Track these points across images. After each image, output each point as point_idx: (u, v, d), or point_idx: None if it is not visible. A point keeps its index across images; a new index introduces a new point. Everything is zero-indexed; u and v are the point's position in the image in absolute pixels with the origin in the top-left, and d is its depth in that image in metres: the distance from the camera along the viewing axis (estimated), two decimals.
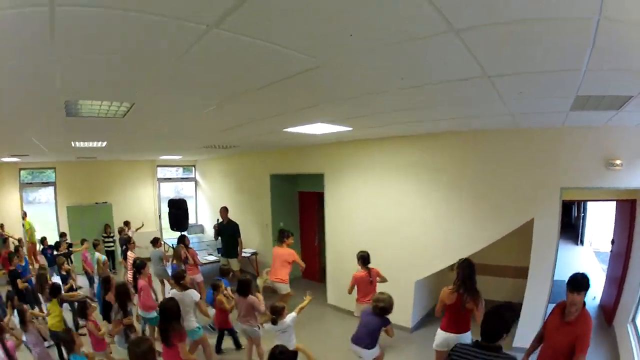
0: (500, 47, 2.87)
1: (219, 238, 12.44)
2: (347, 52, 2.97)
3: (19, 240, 13.53)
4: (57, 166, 16.61)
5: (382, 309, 6.44)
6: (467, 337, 6.25)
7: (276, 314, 6.79)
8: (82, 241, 12.58)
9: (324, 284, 11.46)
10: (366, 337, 6.55)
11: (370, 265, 7.93)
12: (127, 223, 15.41)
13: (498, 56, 3.09)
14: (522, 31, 2.57)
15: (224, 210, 12.34)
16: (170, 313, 6.07)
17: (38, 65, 3.10)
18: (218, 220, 12.40)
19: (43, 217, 19.33)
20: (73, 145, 9.14)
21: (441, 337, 6.43)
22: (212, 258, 13.00)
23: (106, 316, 8.53)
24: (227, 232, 12.11)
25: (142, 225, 15.22)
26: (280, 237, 9.82)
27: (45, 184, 17.70)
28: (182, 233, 12.70)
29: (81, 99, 4.46)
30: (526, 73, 3.54)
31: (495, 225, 7.58)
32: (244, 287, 7.51)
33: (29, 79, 3.52)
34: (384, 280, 7.92)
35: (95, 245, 12.05)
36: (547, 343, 5.19)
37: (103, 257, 11.14)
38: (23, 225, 15.37)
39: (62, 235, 13.77)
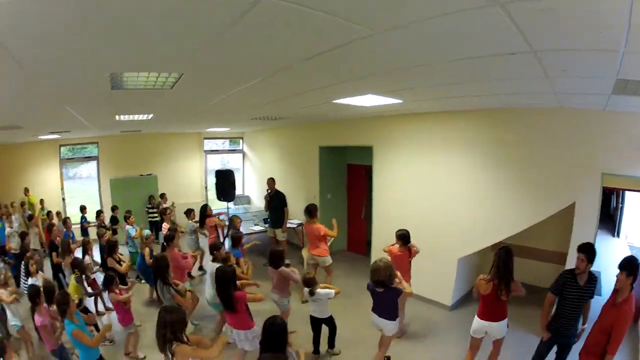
0: (541, 21, 2.81)
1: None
2: (399, 22, 2.94)
3: (57, 214, 14.36)
4: (99, 141, 17.06)
5: (380, 283, 6.33)
6: (503, 325, 6.31)
7: (309, 285, 7.11)
8: (127, 213, 12.83)
9: (368, 257, 11.45)
10: (384, 310, 6.58)
11: (412, 243, 7.91)
12: (162, 195, 15.91)
13: (541, 31, 3.03)
14: (559, 6, 2.52)
15: (271, 181, 12.63)
16: (225, 280, 6.42)
17: (83, 39, 3.11)
18: (268, 190, 12.66)
19: (84, 191, 20.07)
20: (117, 118, 9.23)
21: (477, 324, 6.46)
22: (257, 228, 13.32)
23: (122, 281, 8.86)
24: (274, 202, 12.39)
25: (174, 206, 15.17)
26: (314, 213, 9.89)
27: (88, 159, 18.18)
28: (205, 203, 13.24)
29: (128, 71, 4.47)
30: (567, 50, 3.48)
31: (539, 206, 7.55)
32: (275, 259, 7.68)
33: (72, 55, 3.54)
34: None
35: (126, 218, 12.45)
36: (597, 320, 5.44)
37: (146, 232, 11.30)
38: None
39: (114, 208, 14.15)
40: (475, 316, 6.48)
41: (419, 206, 9.43)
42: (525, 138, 7.64)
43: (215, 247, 8.17)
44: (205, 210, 12.09)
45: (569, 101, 6.24)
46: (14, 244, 11.72)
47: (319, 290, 7.10)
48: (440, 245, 8.80)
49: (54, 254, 10.27)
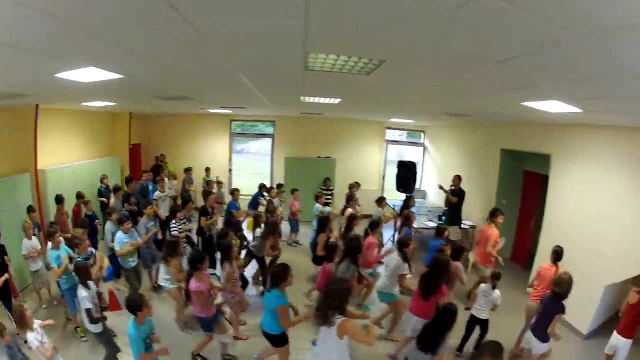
0: None
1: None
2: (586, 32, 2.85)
3: (218, 183, 15.75)
4: (276, 120, 18.29)
5: (557, 295, 6.65)
6: (629, 344, 6.62)
7: (497, 279, 7.57)
8: (293, 191, 13.87)
9: (528, 271, 11.33)
10: (540, 327, 6.80)
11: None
12: (355, 186, 16.10)
13: None
14: None
15: (457, 178, 12.81)
16: (441, 269, 7.03)
17: (288, 17, 3.12)
18: (452, 187, 12.79)
19: (249, 166, 21.66)
20: (302, 100, 9.56)
21: (613, 340, 6.78)
22: (432, 224, 13.34)
23: None
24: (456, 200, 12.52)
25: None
26: (495, 215, 9.90)
27: (261, 136, 19.56)
28: (410, 195, 13.36)
29: (330, 53, 4.50)
30: None
31: None
32: (456, 252, 8.31)
33: (266, 29, 3.56)
34: None
35: (317, 198, 13.11)
36: None
37: (326, 209, 12.12)
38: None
39: (280, 186, 15.08)
40: (614, 332, 6.82)
41: (589, 224, 9.09)
42: None
43: (404, 244, 8.44)
44: (408, 201, 12.49)
45: None
46: (162, 209, 12.75)
47: (496, 290, 7.53)
48: (595, 267, 8.58)
49: (202, 218, 11.32)
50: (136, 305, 5.91)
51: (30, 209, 10.73)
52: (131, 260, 9.59)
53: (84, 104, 11.80)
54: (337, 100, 9.62)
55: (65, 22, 3.13)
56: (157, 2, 2.70)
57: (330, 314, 5.49)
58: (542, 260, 9.93)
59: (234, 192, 13.17)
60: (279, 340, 6.75)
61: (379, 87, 6.86)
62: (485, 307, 7.68)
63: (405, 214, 11.20)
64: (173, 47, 4.26)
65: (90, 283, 7.11)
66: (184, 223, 10.83)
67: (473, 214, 13.70)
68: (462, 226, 12.94)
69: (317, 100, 9.67)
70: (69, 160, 13.97)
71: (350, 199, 12.97)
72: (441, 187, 13.38)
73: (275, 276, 6.51)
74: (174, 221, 10.62)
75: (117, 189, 12.95)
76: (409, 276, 8.47)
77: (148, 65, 5.30)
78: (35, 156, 11.80)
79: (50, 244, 8.49)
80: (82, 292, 6.90)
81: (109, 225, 10.11)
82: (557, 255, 7.99)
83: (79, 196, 12.10)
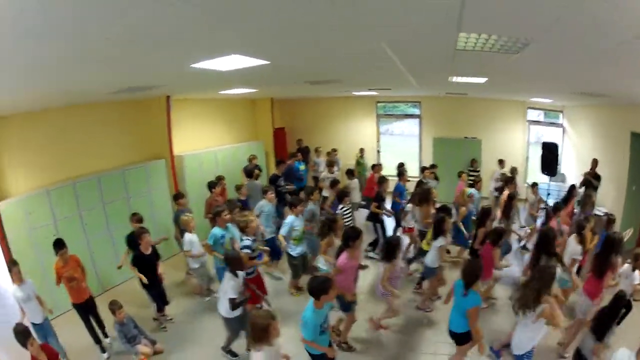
0: None
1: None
2: None
3: (374, 167, 15.43)
4: (422, 100, 18.42)
5: None
6: None
7: (638, 260, 7.46)
8: (460, 173, 13.82)
9: None
10: None
11: None
12: (501, 161, 16.40)
13: None
14: None
15: (594, 162, 12.72)
16: (613, 246, 7.27)
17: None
18: (590, 170, 12.71)
19: (392, 146, 22.31)
20: (450, 80, 9.65)
21: None
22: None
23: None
24: (591, 184, 12.37)
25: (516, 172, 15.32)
26: None
27: (408, 117, 19.94)
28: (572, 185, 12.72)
29: (482, 32, 4.41)
30: None
31: None
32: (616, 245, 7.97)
33: (429, 12, 3.62)
34: None
35: (459, 175, 13.49)
36: None
37: (469, 191, 12.15)
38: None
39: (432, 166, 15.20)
40: None
41: None
42: None
43: (581, 227, 8.48)
44: (572, 191, 11.73)
45: None
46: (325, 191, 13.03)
47: (636, 270, 7.52)
48: None
49: (374, 204, 11.51)
50: (322, 288, 5.66)
51: (178, 196, 11.13)
52: (299, 246, 9.73)
53: (222, 92, 12.40)
54: (483, 80, 9.45)
55: (211, 11, 3.19)
56: None
57: (533, 298, 5.81)
58: None
59: (402, 174, 13.14)
60: (463, 338, 6.68)
61: (526, 66, 6.70)
62: (627, 289, 7.47)
63: (585, 194, 11.22)
64: (323, 29, 4.23)
65: (240, 272, 7.31)
66: (350, 209, 10.97)
67: (605, 199, 13.06)
68: (596, 212, 12.18)
69: (464, 79, 9.61)
70: (209, 146, 14.93)
71: (510, 181, 12.74)
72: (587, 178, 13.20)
73: (468, 274, 6.46)
74: (340, 205, 10.55)
75: (250, 173, 13.25)
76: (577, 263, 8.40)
77: (296, 49, 5.37)
78: (169, 143, 12.61)
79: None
80: (229, 281, 7.11)
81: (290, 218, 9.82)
82: None
83: (219, 178, 12.56)
